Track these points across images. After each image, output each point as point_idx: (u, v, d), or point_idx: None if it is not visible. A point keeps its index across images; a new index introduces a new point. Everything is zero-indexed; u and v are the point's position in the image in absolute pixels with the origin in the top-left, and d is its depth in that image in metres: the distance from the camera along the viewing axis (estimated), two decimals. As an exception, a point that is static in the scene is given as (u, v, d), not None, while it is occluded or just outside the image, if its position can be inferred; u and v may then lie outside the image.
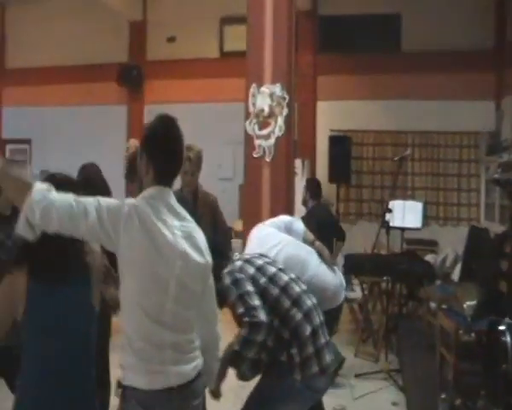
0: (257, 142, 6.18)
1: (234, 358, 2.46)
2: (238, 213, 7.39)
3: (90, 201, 1.78)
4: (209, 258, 2.01)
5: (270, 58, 6.33)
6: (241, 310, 2.47)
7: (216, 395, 2.41)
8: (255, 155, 6.18)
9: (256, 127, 6.22)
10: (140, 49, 9.05)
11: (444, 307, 4.19)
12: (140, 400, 1.81)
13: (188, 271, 1.90)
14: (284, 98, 6.24)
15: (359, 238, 7.80)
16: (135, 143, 9.23)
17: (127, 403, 1.84)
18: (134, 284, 1.82)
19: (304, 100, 8.11)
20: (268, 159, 6.15)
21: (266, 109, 6.23)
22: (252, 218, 6.11)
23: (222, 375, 2.44)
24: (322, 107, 8.49)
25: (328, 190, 8.26)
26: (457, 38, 7.87)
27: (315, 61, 8.49)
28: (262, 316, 2.44)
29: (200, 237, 2.00)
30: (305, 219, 5.38)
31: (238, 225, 6.93)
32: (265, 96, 6.26)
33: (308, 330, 2.53)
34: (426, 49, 7.97)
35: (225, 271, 2.60)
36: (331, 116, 8.36)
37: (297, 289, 2.64)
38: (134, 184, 2.53)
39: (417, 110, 8.03)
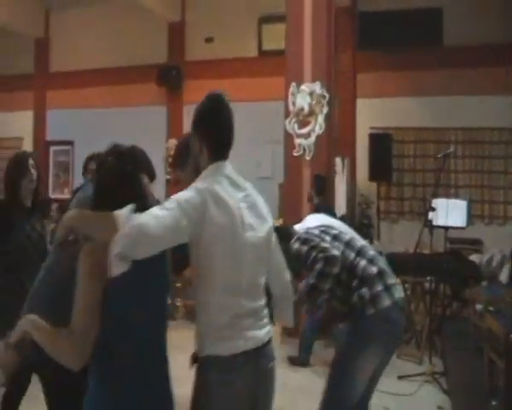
0: (297, 140, 6.16)
1: (310, 291, 2.62)
2: (278, 213, 7.36)
3: (172, 205, 1.79)
4: (271, 220, 2.10)
5: (310, 56, 6.29)
6: (313, 254, 2.64)
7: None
8: (295, 154, 6.15)
9: (296, 126, 6.20)
10: (179, 50, 9.13)
11: (491, 309, 4.07)
12: (220, 367, 1.89)
13: (257, 240, 1.98)
14: (324, 96, 6.19)
15: (400, 237, 7.68)
16: (174, 143, 9.31)
17: (207, 373, 1.90)
18: (215, 264, 1.88)
19: (343, 97, 8.02)
20: (308, 157, 6.12)
21: (306, 108, 6.19)
22: (292, 217, 6.08)
23: (298, 308, 2.63)
24: (361, 104, 8.37)
25: (369, 188, 8.17)
26: (500, 31, 7.63)
27: (354, 58, 8.38)
28: (335, 251, 2.65)
29: (262, 203, 2.08)
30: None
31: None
32: (305, 94, 6.23)
33: (374, 270, 2.70)
34: (468, 43, 7.75)
35: (292, 241, 2.79)
36: (371, 114, 8.24)
37: (359, 243, 2.84)
38: (181, 172, 2.64)
39: (460, 106, 7.83)
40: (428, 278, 5.36)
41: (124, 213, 1.70)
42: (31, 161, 3.53)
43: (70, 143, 9.90)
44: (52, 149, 10.23)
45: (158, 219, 1.71)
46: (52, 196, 9.84)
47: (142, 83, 9.00)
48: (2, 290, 3.37)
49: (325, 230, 2.85)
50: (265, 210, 2.08)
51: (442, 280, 5.55)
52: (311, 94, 6.23)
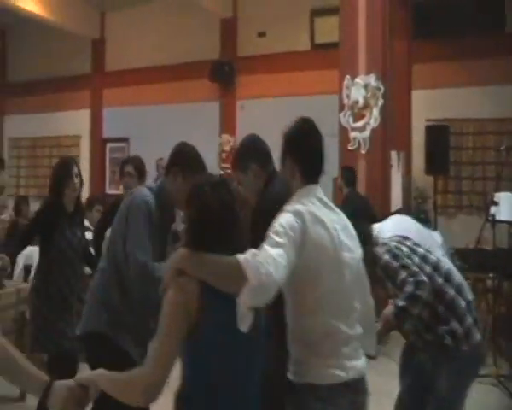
0: (352, 134, 6.07)
1: (399, 313, 2.57)
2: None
3: (282, 240, 1.78)
4: (360, 246, 2.14)
5: (364, 48, 6.18)
6: (403, 275, 2.59)
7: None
8: (350, 148, 6.07)
9: (351, 119, 6.10)
10: (231, 46, 9.14)
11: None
12: (318, 395, 1.89)
13: (352, 261, 2.01)
14: (379, 89, 6.07)
15: (459, 232, 7.43)
16: (227, 138, 9.35)
17: (304, 400, 1.91)
18: (317, 287, 1.89)
19: (398, 89, 7.81)
20: (363, 151, 6.02)
21: (361, 101, 6.09)
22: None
23: (386, 330, 2.61)
24: (417, 96, 8.13)
25: (425, 182, 7.94)
26: None
27: (409, 49, 8.15)
28: (424, 277, 2.59)
29: (351, 226, 2.10)
30: (340, 207, 5.30)
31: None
32: (360, 87, 6.12)
33: (463, 303, 2.64)
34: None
35: (381, 250, 2.76)
36: (427, 105, 7.99)
37: (446, 266, 2.77)
38: (242, 174, 2.63)
39: (523, 95, 7.49)
40: (491, 275, 5.15)
41: (250, 260, 1.65)
42: (75, 170, 3.62)
43: (125, 139, 10.11)
44: (108, 145, 10.49)
45: (278, 262, 1.71)
46: (108, 191, 10.10)
47: (195, 79, 9.05)
48: (42, 294, 3.53)
49: (413, 247, 2.77)
50: (355, 235, 2.10)
51: (506, 278, 5.34)
52: (366, 86, 6.12)
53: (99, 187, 10.11)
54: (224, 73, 8.86)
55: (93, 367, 2.70)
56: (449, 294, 2.65)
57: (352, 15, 6.22)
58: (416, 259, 2.70)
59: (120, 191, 9.54)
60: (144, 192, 2.62)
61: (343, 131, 6.16)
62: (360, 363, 1.98)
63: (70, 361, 3.51)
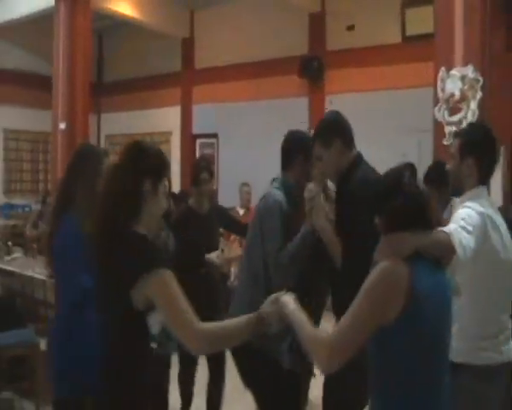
0: (447, 128, 5.82)
1: None
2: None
3: (470, 228, 2.04)
4: None
5: (461, 38, 5.90)
6: None
7: None
8: (445, 143, 5.82)
9: (446, 113, 5.86)
10: (320, 40, 9.03)
11: None
12: (476, 375, 2.12)
13: None
14: (477, 81, 5.78)
15: None
16: (315, 134, 9.17)
17: (463, 379, 2.08)
18: (490, 283, 2.13)
19: (498, 80, 7.39)
20: (459, 147, 5.77)
21: (457, 94, 5.83)
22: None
23: None
24: (519, 86, 7.66)
25: (527, 178, 7.49)
26: None
27: (510, 35, 7.68)
28: None
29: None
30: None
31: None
32: (456, 79, 5.86)
33: None
34: None
35: None
36: (531, 96, 7.51)
37: None
38: (324, 149, 2.66)
39: None
40: None
41: (455, 235, 1.91)
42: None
43: (215, 135, 10.31)
44: (198, 141, 10.75)
45: (469, 243, 1.96)
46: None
47: (283, 75, 9.04)
48: None
49: None
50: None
51: None
52: (463, 79, 5.85)
53: (189, 182, 10.38)
54: (313, 69, 8.78)
55: (248, 380, 2.75)
56: None
57: (447, 3, 5.95)
58: None
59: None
60: (273, 192, 2.73)
61: (437, 126, 5.93)
62: (511, 347, 2.22)
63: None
